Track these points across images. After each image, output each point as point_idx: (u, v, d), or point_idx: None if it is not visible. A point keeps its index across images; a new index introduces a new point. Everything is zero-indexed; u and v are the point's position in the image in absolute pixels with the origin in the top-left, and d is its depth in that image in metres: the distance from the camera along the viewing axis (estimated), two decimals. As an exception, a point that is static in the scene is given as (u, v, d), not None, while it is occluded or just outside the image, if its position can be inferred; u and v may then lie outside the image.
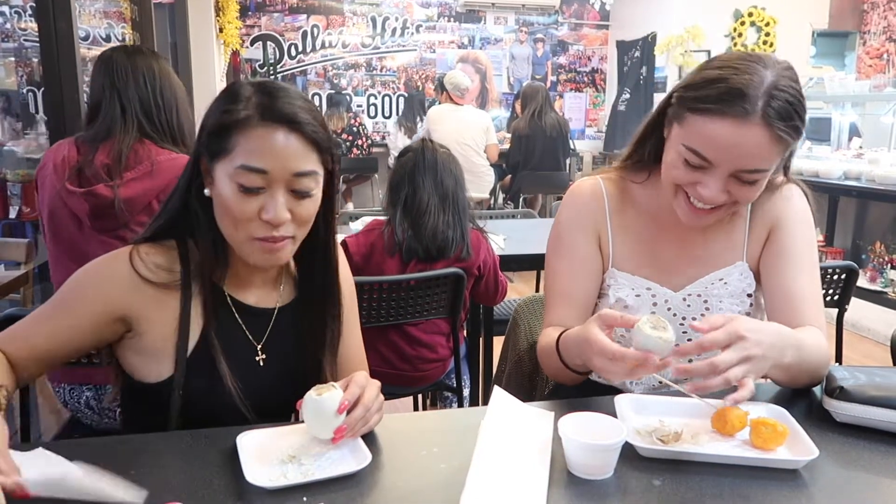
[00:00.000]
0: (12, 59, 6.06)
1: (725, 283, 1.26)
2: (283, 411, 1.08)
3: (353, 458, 0.92)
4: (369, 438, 0.98)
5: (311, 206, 1.05)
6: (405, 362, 2.15)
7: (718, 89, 1.08)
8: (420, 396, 2.53)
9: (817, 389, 1.17)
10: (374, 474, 0.90)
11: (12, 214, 5.06)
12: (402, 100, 7.63)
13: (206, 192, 1.05)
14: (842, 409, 1.04)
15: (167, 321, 1.05)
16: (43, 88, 3.27)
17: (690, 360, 1.20)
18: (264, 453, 0.93)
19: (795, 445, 0.95)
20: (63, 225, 1.80)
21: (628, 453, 0.93)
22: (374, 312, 2.05)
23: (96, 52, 4.95)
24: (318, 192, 1.05)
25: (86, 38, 4.63)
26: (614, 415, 1.00)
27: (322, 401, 0.93)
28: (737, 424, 0.98)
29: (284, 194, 1.01)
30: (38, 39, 2.58)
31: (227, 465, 0.91)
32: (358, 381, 1.00)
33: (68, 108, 2.81)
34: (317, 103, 7.68)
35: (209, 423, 1.03)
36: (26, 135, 5.24)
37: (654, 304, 1.27)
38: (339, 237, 2.20)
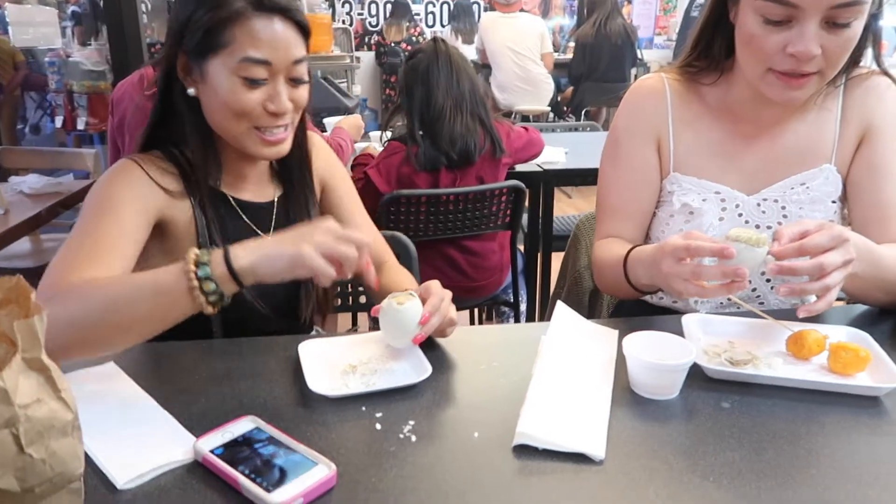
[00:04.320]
0: (72, -30, 6.07)
1: (807, 187, 1.16)
2: (294, 302, 1.17)
3: (413, 371, 0.92)
4: (430, 350, 0.98)
5: (306, 92, 1.07)
6: (460, 273, 2.14)
7: None
8: (476, 311, 2.55)
9: (902, 314, 1.10)
10: (433, 387, 0.89)
11: (80, 126, 5.21)
12: (451, 7, 7.34)
13: (191, 91, 1.05)
14: (930, 336, 0.98)
15: (183, 223, 1.06)
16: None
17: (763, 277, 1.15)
18: (325, 363, 0.93)
19: (878, 371, 0.89)
20: None
21: (695, 374, 0.90)
22: (433, 226, 2.03)
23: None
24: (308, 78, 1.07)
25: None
26: (681, 335, 0.96)
27: (404, 311, 0.93)
28: (814, 348, 0.93)
29: (284, 85, 1.03)
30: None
31: (287, 374, 0.93)
32: (436, 290, 0.99)
33: (127, 17, 2.80)
34: (374, 12, 7.54)
35: (231, 321, 1.10)
36: (88, 46, 5.30)
37: (724, 210, 1.18)
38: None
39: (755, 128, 1.18)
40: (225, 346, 1.01)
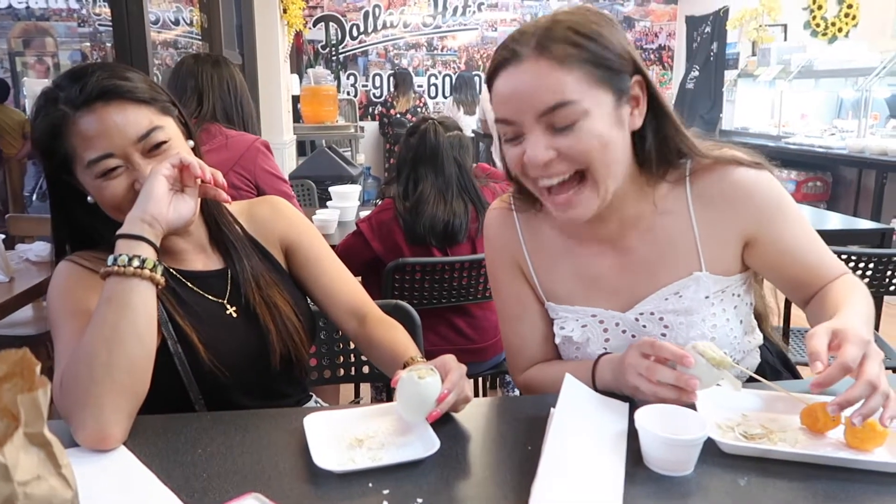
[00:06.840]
0: (88, 43, 6.30)
1: (681, 296, 1.09)
2: (266, 360, 1.14)
3: (421, 445, 0.89)
4: (437, 422, 0.96)
5: (175, 156, 1.01)
6: (461, 336, 2.14)
7: (498, 52, 1.00)
8: (480, 381, 2.51)
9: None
10: (441, 461, 0.87)
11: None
12: (453, 79, 7.59)
13: (90, 199, 1.05)
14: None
15: None
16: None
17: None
18: (331, 437, 0.91)
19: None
20: None
21: (708, 449, 0.87)
22: (437, 293, 2.03)
23: (166, 35, 5.08)
24: (175, 140, 1.05)
25: (156, 22, 4.75)
26: (692, 407, 0.94)
27: (425, 386, 0.91)
28: (829, 422, 0.91)
29: (143, 161, 1.01)
30: (111, 24, 2.66)
31: (291, 448, 0.90)
32: (454, 366, 0.97)
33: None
34: (378, 83, 7.76)
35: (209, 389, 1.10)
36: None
37: (606, 331, 1.13)
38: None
39: (601, 246, 1.13)
40: (227, 418, 0.99)
